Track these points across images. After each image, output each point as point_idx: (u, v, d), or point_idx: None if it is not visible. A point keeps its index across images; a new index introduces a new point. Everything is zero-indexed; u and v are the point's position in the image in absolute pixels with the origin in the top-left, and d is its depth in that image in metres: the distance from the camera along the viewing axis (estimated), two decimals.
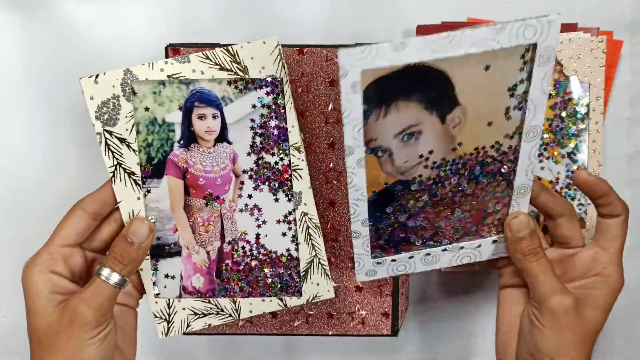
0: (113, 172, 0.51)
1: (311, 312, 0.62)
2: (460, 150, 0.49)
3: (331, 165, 0.59)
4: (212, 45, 0.57)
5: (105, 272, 0.50)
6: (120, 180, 0.52)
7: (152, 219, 0.53)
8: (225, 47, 0.51)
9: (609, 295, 0.52)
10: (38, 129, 0.68)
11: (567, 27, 0.60)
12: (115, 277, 0.50)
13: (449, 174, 0.50)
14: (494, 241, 0.54)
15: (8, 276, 0.71)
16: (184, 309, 0.56)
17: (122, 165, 0.51)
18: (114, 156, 0.51)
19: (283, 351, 0.73)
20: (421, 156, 0.49)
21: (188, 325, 0.56)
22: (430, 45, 0.42)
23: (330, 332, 0.63)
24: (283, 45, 0.57)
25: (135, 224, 0.51)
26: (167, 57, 0.57)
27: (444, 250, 0.54)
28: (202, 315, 0.56)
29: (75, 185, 0.69)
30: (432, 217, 0.52)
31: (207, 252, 0.55)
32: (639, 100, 0.67)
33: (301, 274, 0.55)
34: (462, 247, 0.54)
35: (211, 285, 0.55)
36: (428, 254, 0.54)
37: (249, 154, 0.53)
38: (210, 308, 0.56)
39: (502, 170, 0.50)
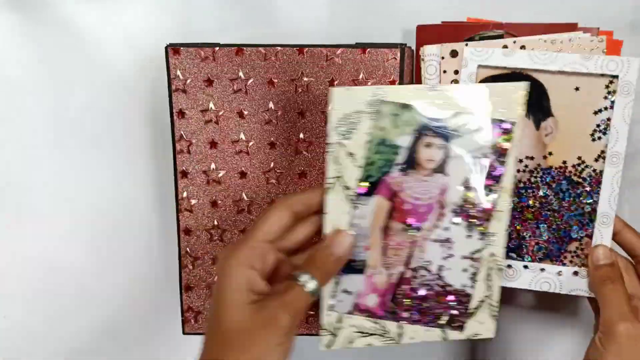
0: (332, 183, 0.51)
1: (312, 312, 0.62)
2: (550, 160, 0.57)
3: None
4: (212, 45, 0.57)
5: (304, 278, 0.48)
6: (335, 193, 0.52)
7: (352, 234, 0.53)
8: (474, 85, 0.53)
9: None
10: (38, 129, 0.68)
11: (567, 27, 0.60)
12: (312, 285, 0.48)
13: (538, 182, 0.57)
14: (575, 272, 0.57)
15: (8, 276, 0.71)
16: (351, 325, 0.55)
17: (342, 179, 0.51)
18: (337, 169, 0.51)
19: None
20: (519, 160, 0.57)
21: (350, 342, 0.55)
22: (532, 57, 0.55)
23: None
24: (282, 45, 0.57)
25: (341, 237, 0.51)
26: (167, 56, 0.57)
27: (525, 267, 0.58)
28: (367, 334, 0.55)
29: (75, 185, 0.69)
30: (517, 224, 0.57)
31: (389, 275, 0.54)
32: (639, 100, 0.67)
33: (469, 312, 0.55)
34: (542, 269, 0.57)
35: (383, 307, 0.55)
36: (509, 266, 0.58)
37: (459, 188, 0.52)
38: (376, 329, 0.55)
39: (586, 190, 0.57)
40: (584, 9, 0.64)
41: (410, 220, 0.53)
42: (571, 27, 0.61)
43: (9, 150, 0.68)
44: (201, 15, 0.66)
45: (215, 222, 0.61)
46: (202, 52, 0.57)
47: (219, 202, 0.60)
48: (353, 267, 0.53)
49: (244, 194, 0.60)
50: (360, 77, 0.57)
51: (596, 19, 0.63)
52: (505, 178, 0.52)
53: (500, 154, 0.52)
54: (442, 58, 0.59)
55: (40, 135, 0.68)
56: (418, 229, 0.53)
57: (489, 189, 0.52)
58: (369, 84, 0.57)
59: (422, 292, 0.54)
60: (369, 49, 0.57)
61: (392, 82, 0.57)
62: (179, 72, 0.58)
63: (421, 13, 0.64)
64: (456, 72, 0.57)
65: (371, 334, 0.55)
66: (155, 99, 0.66)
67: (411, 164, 0.52)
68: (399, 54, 0.56)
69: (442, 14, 0.64)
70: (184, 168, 0.60)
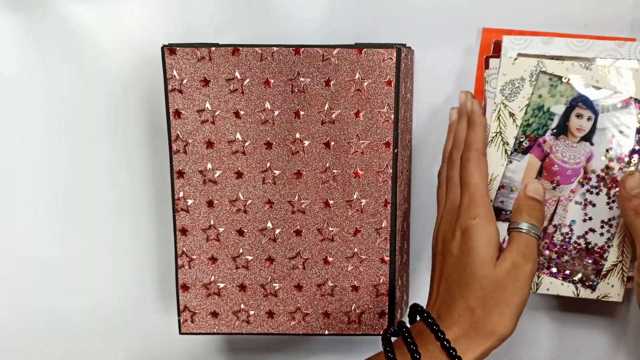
0: (493, 137, 0.59)
1: (308, 312, 0.62)
2: None
3: (327, 165, 0.59)
4: (211, 45, 0.58)
5: (524, 225, 0.53)
6: (495, 145, 0.59)
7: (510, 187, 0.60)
8: (623, 68, 0.57)
9: None
10: (34, 128, 0.68)
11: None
12: (533, 229, 0.53)
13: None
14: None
15: (8, 276, 0.72)
16: None
17: (502, 135, 0.59)
18: (499, 125, 0.58)
19: (281, 350, 0.73)
20: None
21: None
22: (570, 45, 0.58)
23: (326, 332, 0.63)
24: (278, 45, 0.57)
25: (532, 183, 0.56)
26: (163, 56, 0.57)
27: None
28: None
29: (75, 184, 0.69)
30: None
31: None
32: None
33: (602, 273, 0.59)
34: None
35: None
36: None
37: (603, 158, 0.58)
38: None
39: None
40: (584, 9, 0.64)
41: (557, 181, 0.59)
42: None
43: (3, 149, 0.69)
44: (201, 15, 0.66)
45: (212, 222, 0.61)
46: (198, 52, 0.58)
47: (215, 202, 0.60)
48: (504, 216, 0.60)
49: (240, 194, 0.60)
50: (357, 77, 0.57)
51: (596, 19, 0.63)
52: None
53: None
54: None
55: (36, 134, 0.68)
56: (563, 189, 0.59)
57: (630, 162, 0.57)
58: (365, 84, 0.57)
59: (561, 247, 0.60)
60: (365, 50, 0.57)
61: (389, 83, 0.57)
62: (175, 72, 0.58)
63: (422, 13, 0.64)
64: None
65: None
66: (152, 99, 0.67)
67: (563, 130, 0.58)
68: (394, 55, 0.56)
69: (442, 15, 0.64)
70: (180, 168, 0.60)
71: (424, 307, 0.54)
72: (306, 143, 0.59)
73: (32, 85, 0.67)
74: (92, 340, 0.73)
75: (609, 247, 0.59)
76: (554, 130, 0.58)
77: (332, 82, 0.57)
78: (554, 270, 0.60)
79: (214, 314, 0.63)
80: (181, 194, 0.60)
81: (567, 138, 0.58)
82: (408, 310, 0.55)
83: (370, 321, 0.62)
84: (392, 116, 0.58)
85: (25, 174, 0.69)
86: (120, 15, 0.66)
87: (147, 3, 0.66)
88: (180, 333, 0.63)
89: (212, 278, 0.62)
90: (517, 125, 0.58)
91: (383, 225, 0.60)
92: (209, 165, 0.60)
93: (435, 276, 0.56)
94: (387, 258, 0.61)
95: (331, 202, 0.60)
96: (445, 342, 0.50)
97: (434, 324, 0.51)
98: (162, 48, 0.58)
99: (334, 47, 0.57)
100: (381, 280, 0.61)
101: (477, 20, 0.63)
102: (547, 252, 0.60)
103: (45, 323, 0.73)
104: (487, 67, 0.61)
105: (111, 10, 0.66)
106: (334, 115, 0.58)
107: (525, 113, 0.58)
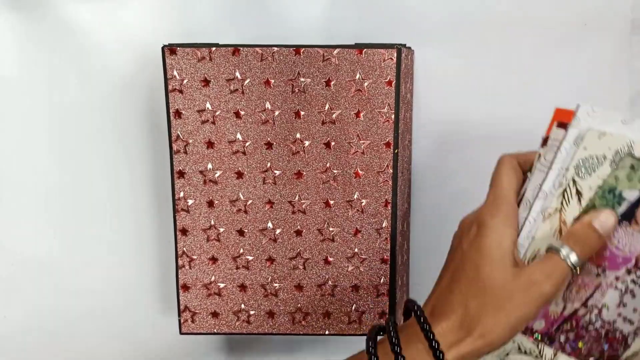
0: (550, 214, 0.51)
1: (308, 312, 0.62)
2: None
3: (327, 165, 0.59)
4: (211, 46, 0.58)
5: (565, 250, 0.48)
6: (550, 223, 0.52)
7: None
8: None
9: None
10: (34, 129, 0.68)
11: None
12: (573, 258, 0.48)
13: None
14: None
15: (8, 276, 0.72)
16: (513, 341, 0.54)
17: (562, 213, 0.51)
18: (562, 202, 0.51)
19: (282, 350, 0.73)
20: None
21: (506, 353, 0.55)
22: None
23: (326, 332, 0.63)
24: (279, 46, 0.57)
25: (606, 214, 0.50)
26: (163, 56, 0.57)
27: None
28: (523, 352, 0.56)
29: (75, 184, 0.69)
30: None
31: (564, 307, 0.54)
32: (639, 100, 0.66)
33: (621, 358, 0.55)
34: None
35: (545, 331, 0.55)
36: None
37: None
38: (533, 350, 0.55)
39: None
40: (585, 9, 0.64)
41: (604, 266, 0.52)
42: None
43: (4, 149, 0.69)
44: (201, 15, 0.66)
45: (212, 222, 0.61)
46: (198, 52, 0.58)
47: (216, 202, 0.60)
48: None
49: (240, 194, 0.60)
50: (357, 77, 0.57)
51: (597, 19, 0.63)
52: None
53: None
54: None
55: (36, 134, 0.68)
56: (608, 276, 0.52)
57: None
58: (366, 84, 0.57)
59: (586, 330, 0.54)
60: (365, 50, 0.57)
61: (389, 83, 0.57)
62: (175, 72, 0.58)
63: (422, 14, 0.64)
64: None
65: (527, 353, 0.56)
66: (152, 99, 0.67)
67: (628, 216, 0.50)
68: (395, 55, 0.56)
69: (443, 20, 0.64)
70: (180, 168, 0.60)
71: (419, 304, 0.52)
72: (306, 143, 0.59)
73: (32, 85, 0.67)
74: (93, 340, 0.73)
75: (636, 336, 0.54)
76: (619, 217, 0.51)
77: (332, 82, 0.57)
78: (569, 350, 0.56)
79: (215, 314, 0.63)
80: (182, 194, 0.61)
81: (630, 225, 0.51)
82: (403, 307, 0.53)
83: (371, 321, 0.62)
84: (393, 116, 0.58)
85: (25, 174, 0.69)
86: (120, 15, 0.66)
87: (147, 3, 0.66)
88: (181, 333, 0.63)
89: (213, 278, 0.62)
90: (581, 207, 0.51)
91: (383, 225, 0.60)
92: (210, 166, 0.60)
93: (442, 271, 0.53)
94: (387, 258, 0.61)
95: (331, 202, 0.60)
96: (430, 335, 0.47)
97: (421, 317, 0.48)
98: (163, 48, 0.58)
99: (335, 47, 0.57)
100: (382, 280, 0.61)
101: (476, 19, 0.64)
102: (569, 332, 0.55)
103: (45, 323, 0.72)
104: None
105: (111, 10, 0.66)
106: (334, 116, 0.58)
107: (595, 194, 0.50)
